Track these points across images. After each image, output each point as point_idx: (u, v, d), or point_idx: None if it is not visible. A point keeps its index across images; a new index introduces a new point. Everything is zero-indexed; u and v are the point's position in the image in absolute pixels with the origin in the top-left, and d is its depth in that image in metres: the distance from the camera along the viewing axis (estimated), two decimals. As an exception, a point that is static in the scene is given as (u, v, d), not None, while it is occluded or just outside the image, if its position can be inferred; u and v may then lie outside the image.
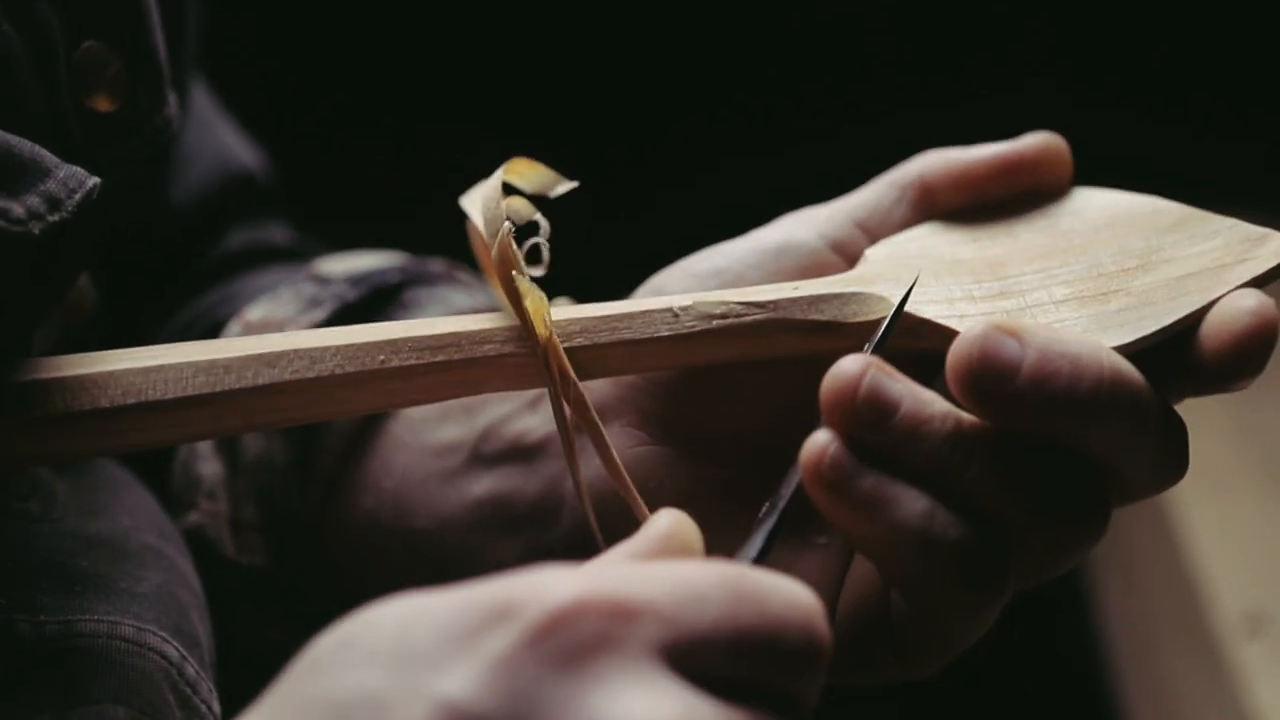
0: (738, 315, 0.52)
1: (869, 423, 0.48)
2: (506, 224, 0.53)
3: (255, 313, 0.66)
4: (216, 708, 0.53)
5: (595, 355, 0.52)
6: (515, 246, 0.52)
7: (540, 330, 0.51)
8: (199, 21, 0.68)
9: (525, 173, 0.55)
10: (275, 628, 0.63)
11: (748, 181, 1.25)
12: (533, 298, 0.52)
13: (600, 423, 0.52)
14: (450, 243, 0.67)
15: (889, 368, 0.48)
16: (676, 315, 0.52)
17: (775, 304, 0.53)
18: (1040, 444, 0.49)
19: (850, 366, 0.48)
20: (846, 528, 0.49)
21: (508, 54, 1.46)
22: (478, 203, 0.55)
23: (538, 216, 0.54)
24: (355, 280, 0.65)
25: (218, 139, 0.75)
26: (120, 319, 0.69)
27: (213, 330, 0.68)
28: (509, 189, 0.54)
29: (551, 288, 0.53)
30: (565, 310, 0.53)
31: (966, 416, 0.49)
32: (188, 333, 0.70)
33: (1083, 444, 0.49)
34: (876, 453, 0.48)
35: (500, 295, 0.53)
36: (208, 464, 0.63)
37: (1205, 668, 1.05)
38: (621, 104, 1.47)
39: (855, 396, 0.48)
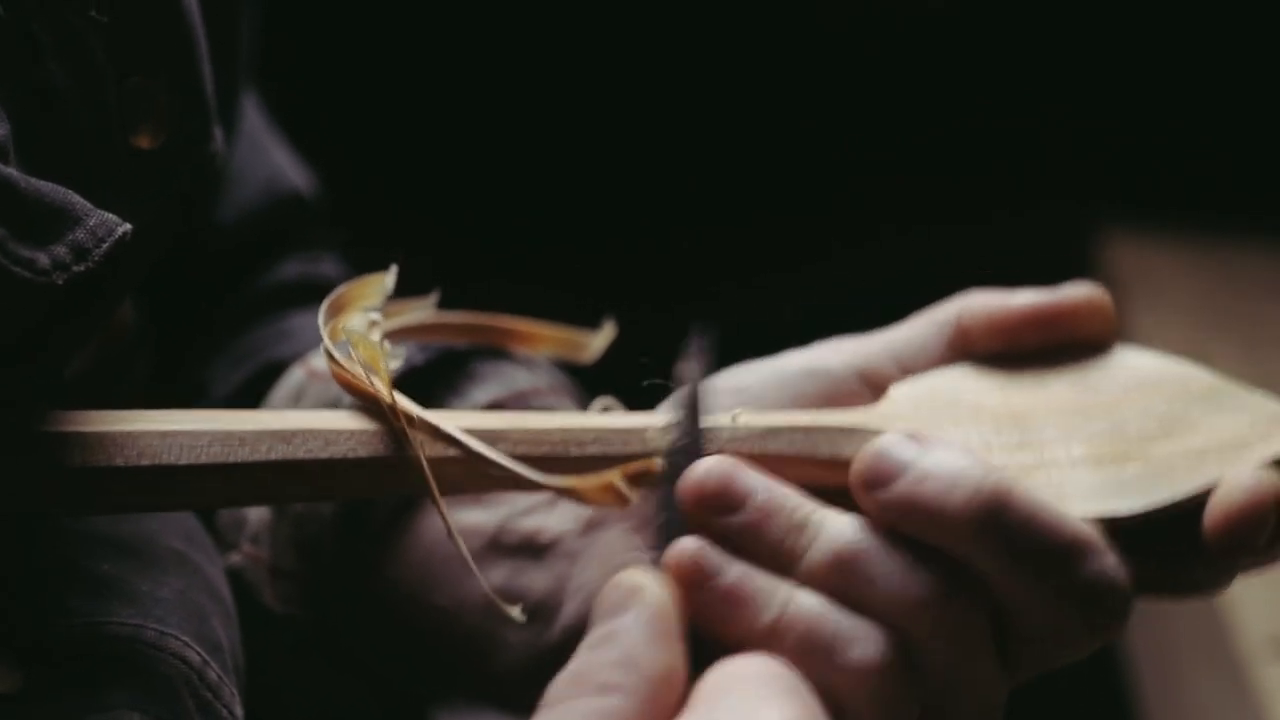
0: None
1: (723, 511, 0.47)
2: (376, 337, 0.53)
3: (321, 361, 0.64)
4: (239, 712, 0.53)
5: (572, 466, 0.51)
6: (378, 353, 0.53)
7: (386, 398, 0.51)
8: (254, 35, 0.67)
9: (362, 300, 0.56)
10: (305, 669, 0.63)
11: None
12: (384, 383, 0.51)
13: (438, 489, 0.51)
14: (473, 265, 0.66)
15: (746, 464, 0.48)
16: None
17: (776, 431, 0.52)
18: (911, 552, 0.48)
19: (707, 462, 0.48)
20: (724, 629, 0.48)
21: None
22: (334, 352, 0.54)
23: (375, 326, 0.55)
24: (423, 343, 0.64)
25: (268, 157, 0.74)
26: (162, 339, 0.68)
27: (270, 369, 0.68)
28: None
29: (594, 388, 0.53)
30: (562, 418, 0.53)
31: (834, 512, 0.49)
32: (241, 366, 0.69)
33: (970, 564, 0.48)
34: (746, 549, 0.48)
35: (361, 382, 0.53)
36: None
37: (1230, 690, 1.05)
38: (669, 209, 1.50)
39: (705, 487, 0.48)
